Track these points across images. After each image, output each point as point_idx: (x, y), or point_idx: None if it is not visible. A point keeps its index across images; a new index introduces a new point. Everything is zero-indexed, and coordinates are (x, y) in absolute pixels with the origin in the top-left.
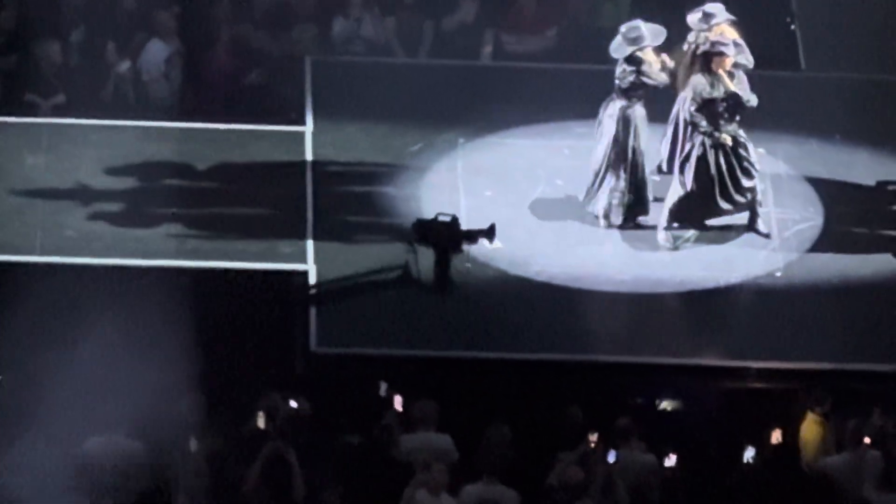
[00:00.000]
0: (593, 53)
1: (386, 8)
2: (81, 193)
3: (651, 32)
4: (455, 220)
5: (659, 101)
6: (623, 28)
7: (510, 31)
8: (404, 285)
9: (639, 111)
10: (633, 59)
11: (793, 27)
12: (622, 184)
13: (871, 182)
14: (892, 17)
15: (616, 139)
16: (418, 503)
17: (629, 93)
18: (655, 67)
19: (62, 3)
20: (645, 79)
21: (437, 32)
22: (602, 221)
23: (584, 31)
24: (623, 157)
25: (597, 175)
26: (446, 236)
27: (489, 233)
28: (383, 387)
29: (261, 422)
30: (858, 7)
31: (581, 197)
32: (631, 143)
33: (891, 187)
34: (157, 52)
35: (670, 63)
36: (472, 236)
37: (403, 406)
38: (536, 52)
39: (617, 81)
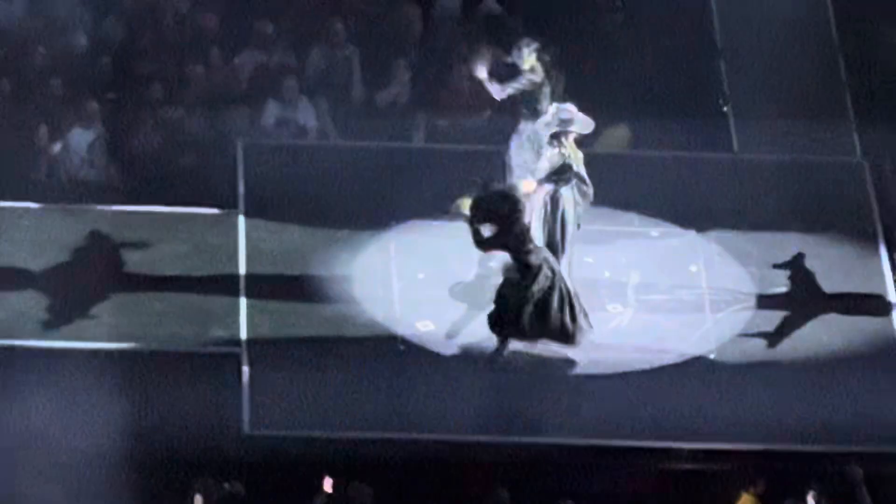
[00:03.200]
0: None
1: (318, 91)
2: (13, 276)
3: (582, 121)
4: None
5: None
6: (553, 108)
7: (443, 113)
8: (337, 367)
9: (566, 194)
10: (555, 139)
11: (725, 109)
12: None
13: (802, 264)
14: (822, 98)
15: (545, 224)
16: None
17: (556, 176)
18: (576, 157)
19: None
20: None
21: (369, 114)
22: None
23: (518, 113)
24: (552, 243)
25: None
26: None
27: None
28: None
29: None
30: (792, 90)
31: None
32: (559, 227)
33: (820, 269)
34: (79, 138)
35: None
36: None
37: (337, 489)
38: (470, 135)
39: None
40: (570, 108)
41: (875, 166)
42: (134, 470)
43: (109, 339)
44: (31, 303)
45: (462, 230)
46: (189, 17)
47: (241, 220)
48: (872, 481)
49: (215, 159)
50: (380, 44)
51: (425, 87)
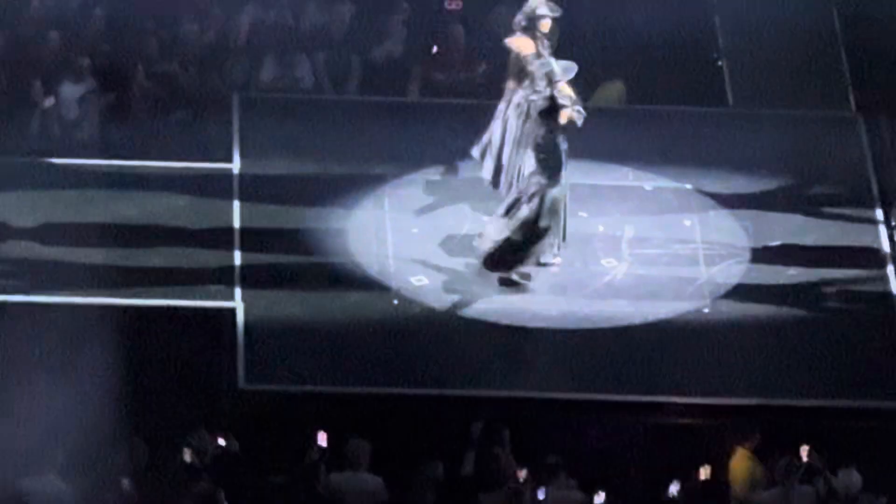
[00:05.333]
0: None
1: (315, 45)
2: (6, 231)
3: (562, 69)
4: None
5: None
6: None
7: (439, 67)
8: (332, 322)
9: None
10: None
11: (720, 63)
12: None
13: (796, 218)
14: (817, 52)
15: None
16: None
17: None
18: (571, 101)
19: None
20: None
21: (365, 68)
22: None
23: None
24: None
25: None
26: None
27: None
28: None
29: (188, 457)
30: (784, 43)
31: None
32: None
33: (814, 223)
34: (70, 92)
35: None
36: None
37: (333, 444)
38: (465, 88)
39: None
40: (548, 62)
41: (869, 120)
42: (128, 425)
43: (104, 294)
44: (25, 258)
45: (454, 186)
46: None
47: (236, 174)
48: (868, 436)
49: (210, 113)
50: None
51: (420, 41)
